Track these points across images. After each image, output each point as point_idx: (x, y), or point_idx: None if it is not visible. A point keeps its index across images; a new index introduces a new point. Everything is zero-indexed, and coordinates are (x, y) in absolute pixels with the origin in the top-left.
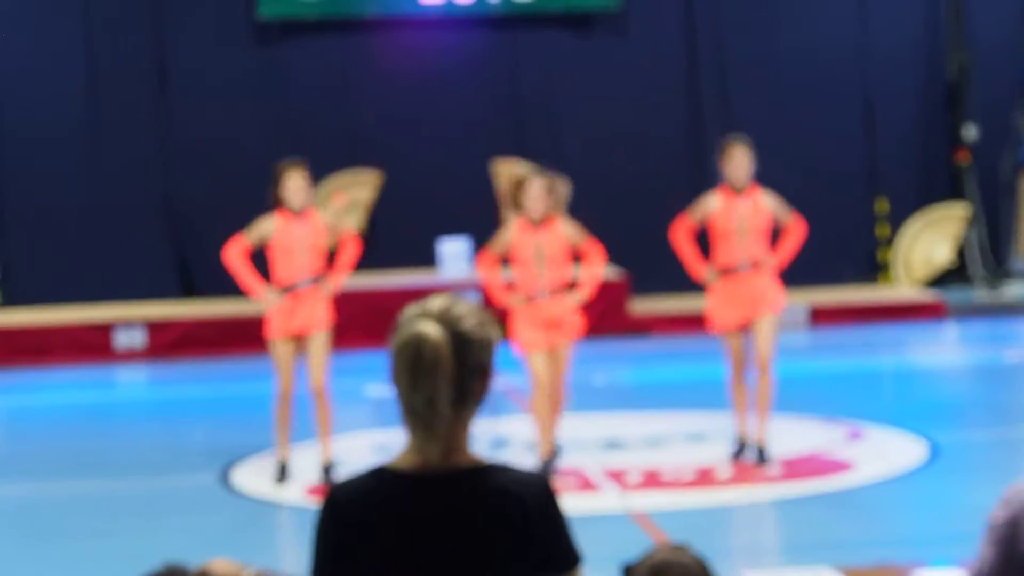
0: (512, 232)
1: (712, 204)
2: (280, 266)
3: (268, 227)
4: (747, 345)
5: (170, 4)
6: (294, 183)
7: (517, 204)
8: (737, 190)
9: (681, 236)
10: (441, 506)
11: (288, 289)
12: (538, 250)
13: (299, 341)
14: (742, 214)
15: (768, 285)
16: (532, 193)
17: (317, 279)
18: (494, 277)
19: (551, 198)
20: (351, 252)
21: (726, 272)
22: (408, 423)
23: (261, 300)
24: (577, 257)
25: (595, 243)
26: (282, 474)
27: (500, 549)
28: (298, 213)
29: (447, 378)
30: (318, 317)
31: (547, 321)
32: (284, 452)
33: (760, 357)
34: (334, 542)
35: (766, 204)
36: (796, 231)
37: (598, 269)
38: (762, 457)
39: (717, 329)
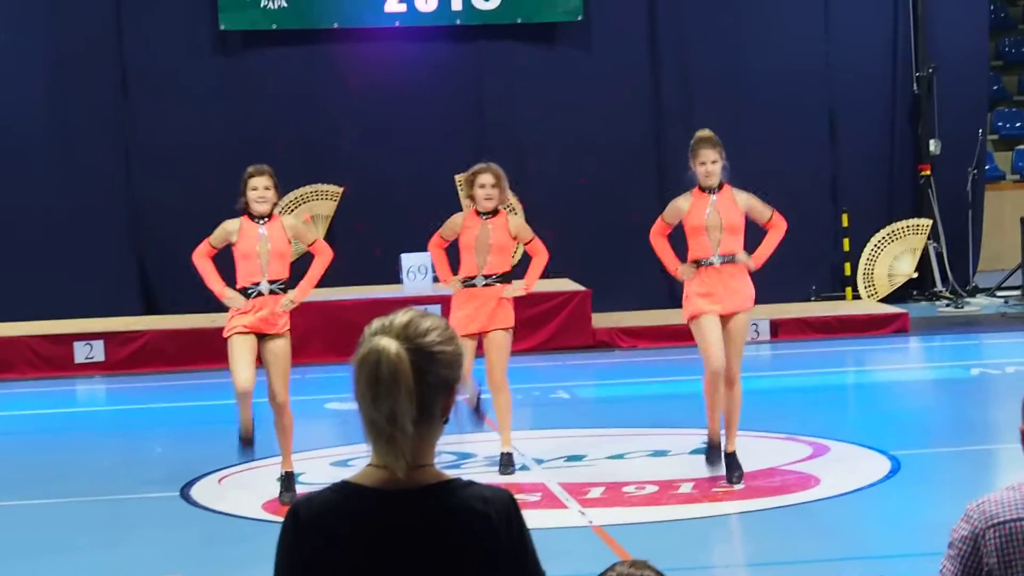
0: (461, 220)
1: (683, 204)
2: (242, 270)
3: (231, 228)
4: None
5: (133, 14)
6: (259, 188)
7: (469, 195)
8: (707, 190)
9: (657, 237)
10: (405, 522)
11: (249, 292)
12: (482, 239)
13: (258, 340)
14: (714, 210)
15: (742, 281)
16: (482, 183)
17: (280, 284)
18: (440, 258)
19: (500, 191)
20: (323, 262)
21: (700, 266)
22: (371, 439)
23: (226, 300)
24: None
25: (540, 243)
26: (246, 442)
27: (465, 566)
28: (262, 218)
29: (408, 394)
30: (278, 321)
31: (479, 306)
32: (246, 423)
33: (728, 368)
34: (297, 558)
35: (739, 202)
36: (777, 227)
37: (540, 266)
38: (733, 469)
39: (691, 314)
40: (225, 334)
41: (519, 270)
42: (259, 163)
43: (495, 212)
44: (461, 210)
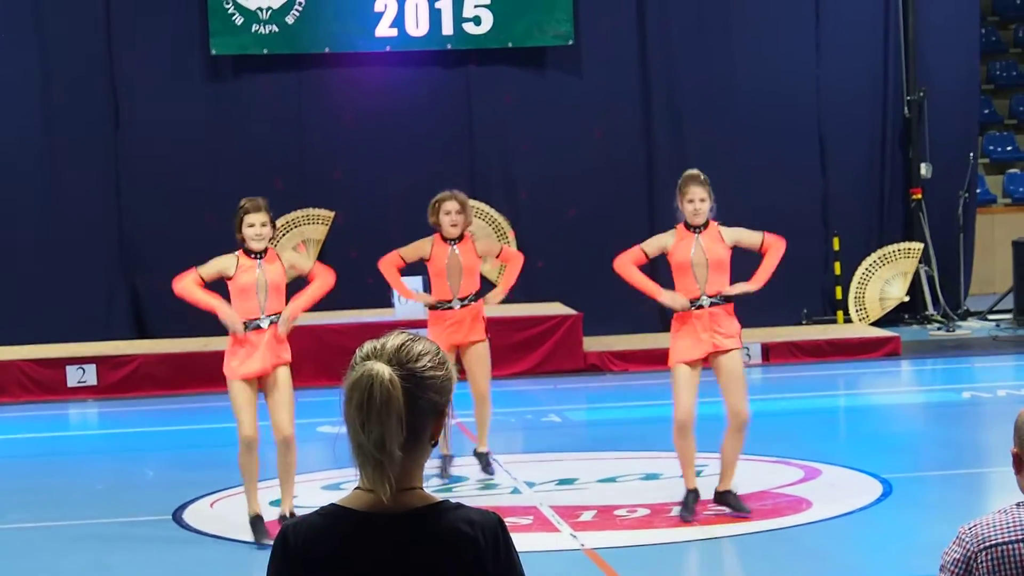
0: (429, 247)
1: (667, 241)
2: (239, 306)
3: (227, 265)
4: (698, 387)
5: (123, 39)
6: (255, 225)
7: (434, 222)
8: (693, 229)
9: (626, 263)
10: (394, 546)
11: (248, 327)
12: (453, 264)
13: (259, 381)
14: (699, 248)
15: (730, 322)
16: (447, 210)
17: (277, 316)
18: (397, 277)
19: (465, 217)
20: (322, 285)
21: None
22: (360, 462)
23: (223, 316)
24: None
25: (509, 248)
26: (258, 529)
27: None
28: (259, 254)
29: (399, 419)
30: (278, 355)
31: (455, 323)
32: (255, 504)
33: (735, 413)
34: None
35: (726, 237)
36: (774, 247)
37: (516, 268)
38: (737, 506)
39: (674, 360)
40: (226, 372)
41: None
42: (250, 190)
43: (460, 237)
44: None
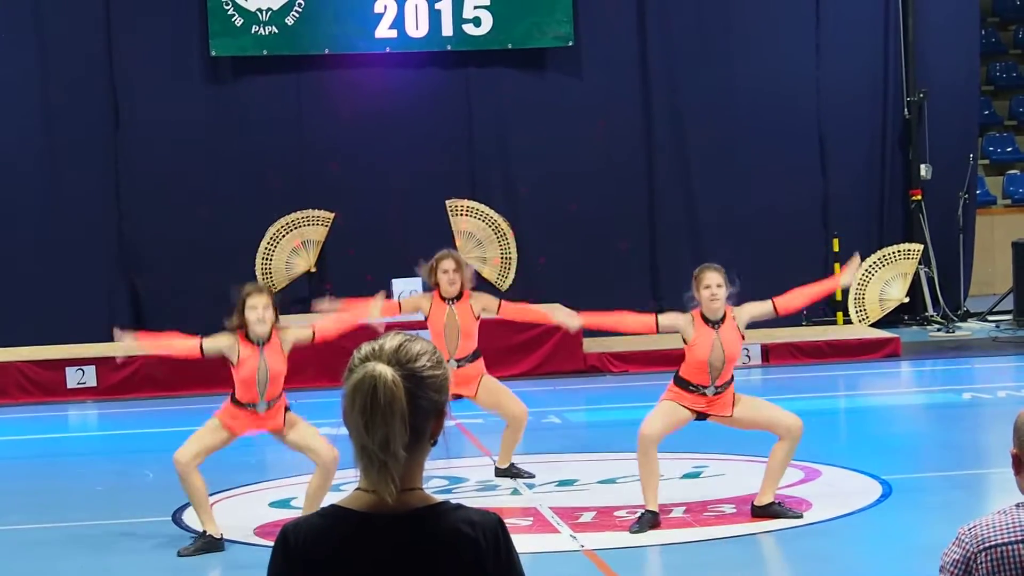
0: (428, 304)
1: (687, 331)
2: (239, 389)
3: (228, 345)
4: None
5: (123, 41)
6: (258, 308)
7: (432, 281)
8: (712, 324)
9: (616, 315)
10: (394, 546)
11: (245, 406)
12: (450, 325)
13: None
14: (718, 347)
15: (728, 397)
16: (445, 269)
17: (276, 399)
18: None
19: (462, 275)
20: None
21: (690, 391)
22: (362, 464)
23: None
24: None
25: (507, 302)
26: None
27: None
28: (260, 340)
29: (402, 420)
30: (277, 424)
31: (456, 383)
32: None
33: (787, 428)
34: None
35: (740, 325)
36: (787, 306)
37: (527, 306)
38: (784, 514)
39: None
40: (218, 415)
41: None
42: (250, 191)
43: (459, 296)
44: (451, 233)
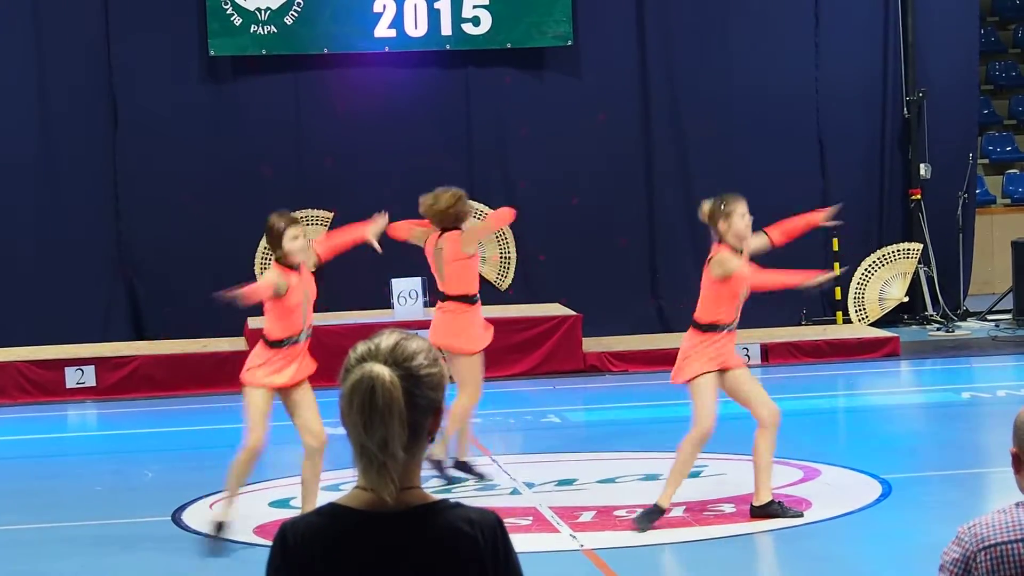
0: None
1: (735, 264)
2: (282, 322)
3: (281, 281)
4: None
5: (122, 41)
6: (300, 236)
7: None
8: (739, 250)
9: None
10: (393, 545)
11: (285, 343)
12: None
13: (280, 392)
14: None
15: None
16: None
17: (311, 328)
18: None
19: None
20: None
21: (719, 331)
22: (361, 463)
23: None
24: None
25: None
26: (219, 530)
27: None
28: (295, 267)
29: (401, 420)
30: (307, 369)
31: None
32: (229, 512)
33: (772, 411)
34: None
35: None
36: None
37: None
38: (785, 513)
39: (694, 374)
40: (247, 379)
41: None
42: (248, 191)
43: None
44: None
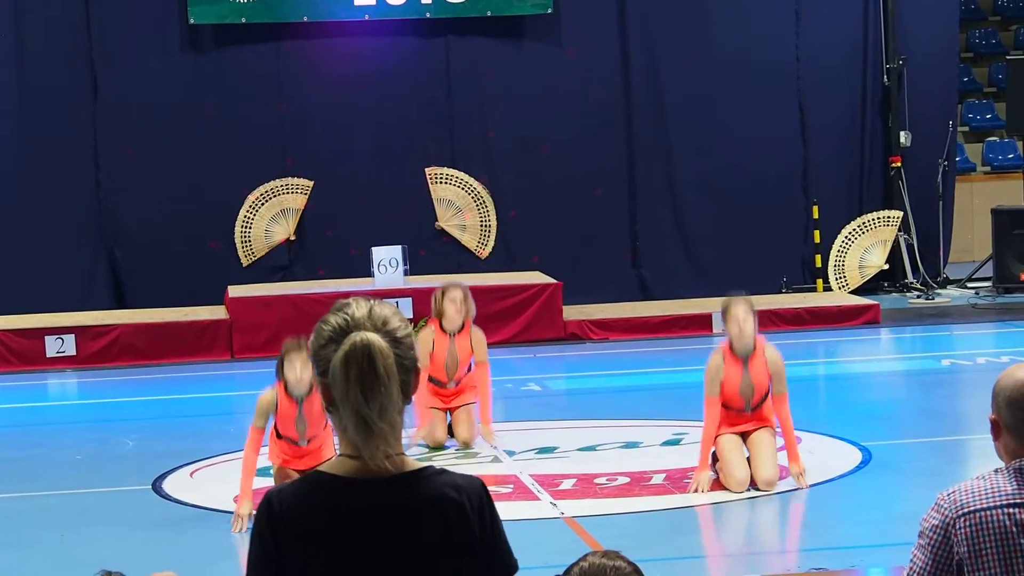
0: (430, 338)
1: (719, 363)
2: (281, 427)
3: (269, 401)
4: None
5: (101, 9)
6: (300, 368)
7: (438, 312)
8: (741, 356)
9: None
10: (380, 510)
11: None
12: (451, 356)
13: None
14: (747, 381)
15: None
16: (452, 298)
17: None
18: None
19: (465, 307)
20: None
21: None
22: (357, 433)
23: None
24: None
25: (487, 366)
26: None
27: (439, 553)
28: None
29: (397, 386)
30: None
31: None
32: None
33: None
34: (271, 548)
35: (769, 361)
36: (786, 421)
37: (488, 396)
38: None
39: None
40: (275, 462)
41: None
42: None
43: (461, 328)
44: (430, 201)
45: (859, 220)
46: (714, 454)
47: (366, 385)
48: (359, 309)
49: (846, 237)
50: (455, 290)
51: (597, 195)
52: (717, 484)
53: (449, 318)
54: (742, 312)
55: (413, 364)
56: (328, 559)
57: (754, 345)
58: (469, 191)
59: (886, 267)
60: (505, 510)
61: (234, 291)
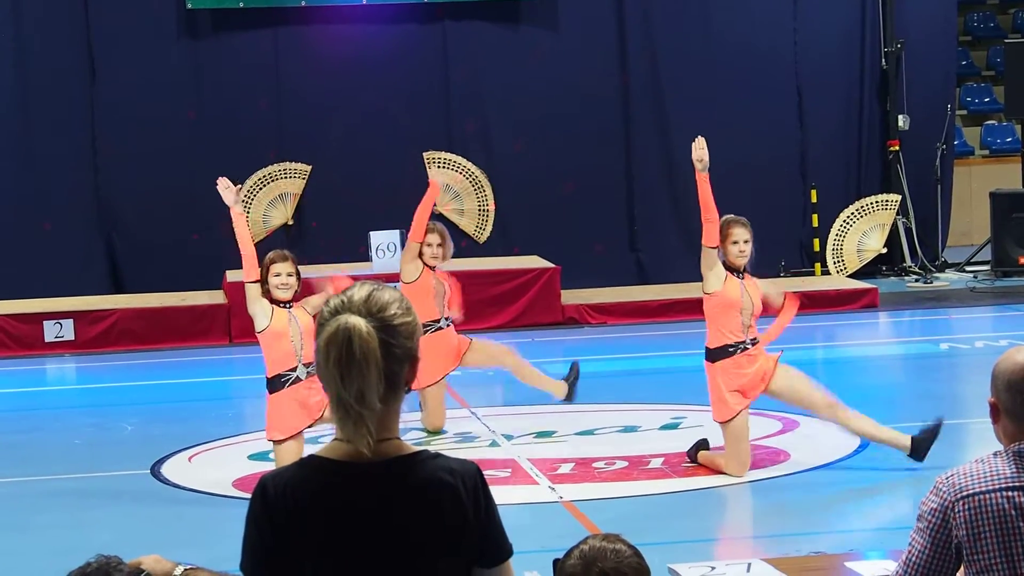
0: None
1: (717, 280)
2: (275, 353)
3: (263, 304)
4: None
5: None
6: (282, 273)
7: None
8: (737, 273)
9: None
10: (374, 495)
11: (284, 380)
12: (438, 289)
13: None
14: (746, 294)
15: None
16: (430, 243)
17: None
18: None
19: (446, 248)
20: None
21: (732, 354)
22: (338, 415)
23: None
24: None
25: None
26: None
27: (433, 537)
28: (286, 304)
29: (378, 371)
30: (321, 401)
31: (445, 351)
32: None
33: (819, 401)
34: (266, 532)
35: (760, 288)
36: (791, 308)
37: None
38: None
39: (726, 417)
40: (276, 437)
41: None
42: (226, 144)
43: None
44: (428, 186)
45: (857, 204)
46: (704, 443)
47: (344, 368)
48: (359, 292)
49: (844, 221)
50: (432, 234)
51: (595, 179)
52: (715, 470)
53: (426, 260)
54: (744, 234)
55: (407, 354)
56: (322, 542)
57: (745, 269)
58: (467, 175)
59: (884, 251)
60: (503, 494)
61: (232, 276)
